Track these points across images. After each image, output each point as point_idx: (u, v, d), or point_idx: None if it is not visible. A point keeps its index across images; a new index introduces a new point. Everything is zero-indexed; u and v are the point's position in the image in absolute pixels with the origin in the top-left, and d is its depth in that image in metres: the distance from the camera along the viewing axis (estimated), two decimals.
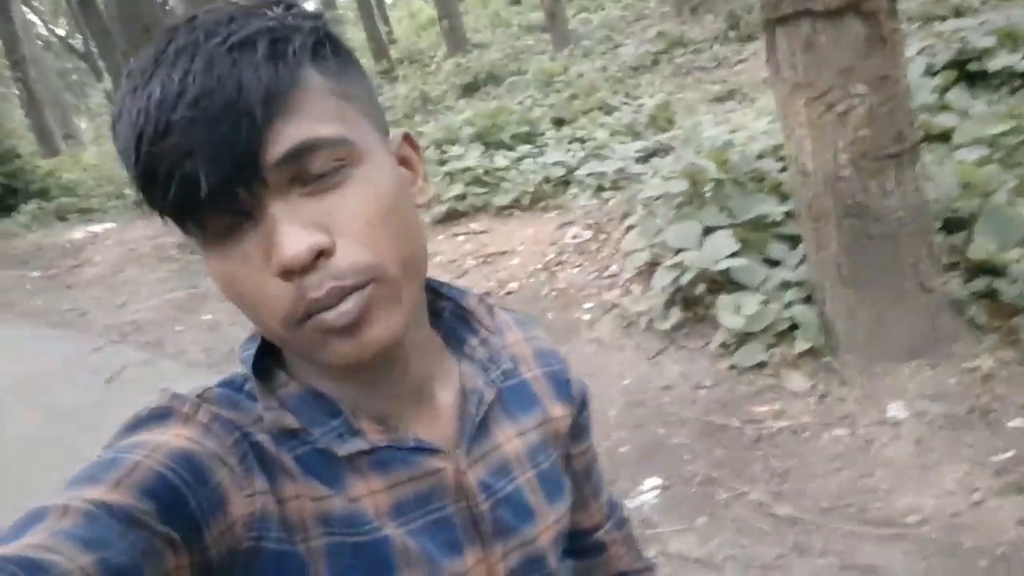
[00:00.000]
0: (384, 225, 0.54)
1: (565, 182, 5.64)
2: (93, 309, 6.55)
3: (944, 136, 3.66)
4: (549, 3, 12.08)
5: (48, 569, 0.39)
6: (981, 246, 2.80)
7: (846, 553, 2.07)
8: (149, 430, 0.54)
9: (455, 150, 6.48)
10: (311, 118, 0.51)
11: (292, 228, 0.50)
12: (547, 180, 5.61)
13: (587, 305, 4.02)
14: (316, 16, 0.56)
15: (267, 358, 0.63)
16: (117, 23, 7.57)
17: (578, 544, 0.87)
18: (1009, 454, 2.24)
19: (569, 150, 6.11)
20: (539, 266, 4.63)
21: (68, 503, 0.44)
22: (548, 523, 0.71)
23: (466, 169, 5.94)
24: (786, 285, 3.16)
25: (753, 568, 2.10)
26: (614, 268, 4.23)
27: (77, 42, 28.28)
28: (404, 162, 0.62)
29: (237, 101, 0.48)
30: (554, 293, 4.28)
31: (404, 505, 0.61)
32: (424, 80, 13.41)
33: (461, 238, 5.42)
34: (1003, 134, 3.43)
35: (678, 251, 3.50)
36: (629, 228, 4.33)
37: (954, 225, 3.01)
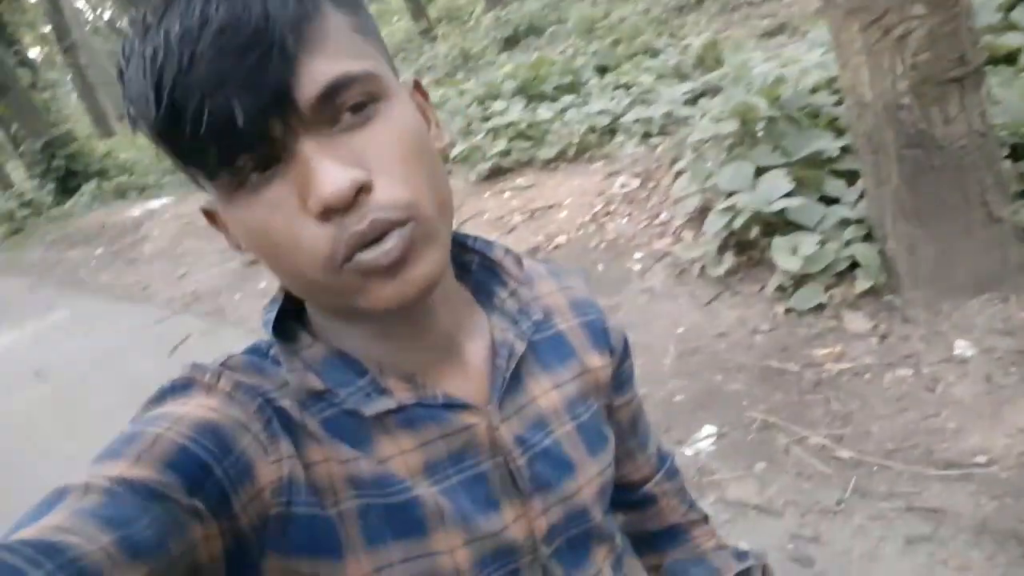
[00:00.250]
0: (417, 163, 0.53)
1: (611, 131, 5.51)
2: (155, 282, 6.75)
3: (1010, 58, 3.44)
4: None
5: (65, 551, 0.38)
6: None
7: (911, 495, 2.01)
8: (171, 402, 0.53)
9: (497, 105, 6.38)
10: (338, 53, 0.50)
11: (330, 164, 0.48)
12: (592, 130, 5.49)
13: (638, 255, 3.95)
14: None
15: (290, 320, 0.62)
16: None
17: (628, 497, 0.85)
18: None
19: (614, 97, 5.96)
20: (587, 218, 4.56)
21: (89, 481, 0.44)
22: (590, 476, 0.69)
23: (509, 124, 5.85)
24: (845, 223, 3.04)
25: (814, 512, 2.06)
26: (664, 216, 4.14)
27: (124, 24, 28.77)
28: (418, 109, 0.60)
29: (265, 29, 0.46)
30: (603, 245, 4.22)
31: (436, 463, 0.60)
32: (464, 37, 13.24)
33: (507, 194, 5.37)
34: None
35: (730, 194, 3.39)
36: (678, 174, 4.22)
37: (1022, 151, 2.85)
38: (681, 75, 6.22)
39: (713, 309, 3.25)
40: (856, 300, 2.83)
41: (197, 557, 0.45)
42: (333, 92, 0.49)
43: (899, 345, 2.58)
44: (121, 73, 0.50)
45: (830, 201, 3.20)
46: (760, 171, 3.39)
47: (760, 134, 3.69)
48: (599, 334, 0.75)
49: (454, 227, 0.64)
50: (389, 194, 0.50)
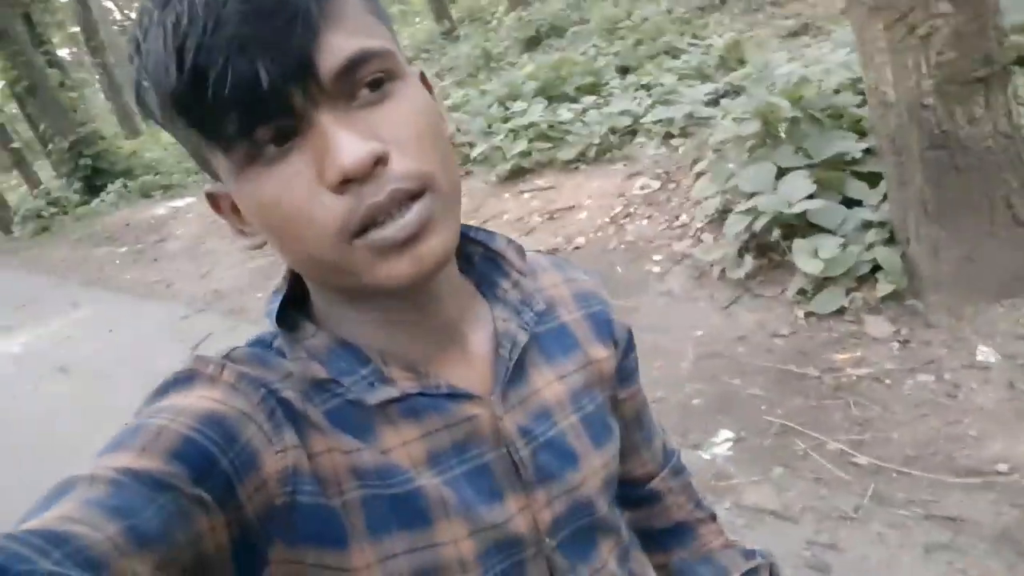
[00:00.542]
0: (431, 139, 0.53)
1: (632, 132, 5.48)
2: (178, 280, 6.82)
3: None
4: None
5: (71, 540, 0.38)
6: None
7: (930, 503, 1.98)
8: (175, 394, 0.53)
9: (518, 106, 6.37)
10: (357, 30, 0.51)
11: (349, 135, 0.49)
12: (613, 131, 5.46)
13: (657, 257, 3.92)
14: None
15: (294, 311, 0.62)
16: None
17: (633, 494, 0.84)
18: None
19: (635, 98, 5.93)
20: (607, 219, 4.54)
21: (95, 472, 0.44)
22: (595, 468, 0.68)
23: (530, 125, 5.84)
24: (867, 226, 3.00)
25: (831, 519, 2.03)
26: (684, 218, 4.11)
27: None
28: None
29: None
30: (623, 246, 4.20)
31: (440, 454, 0.60)
32: (486, 37, 13.25)
33: (527, 195, 5.36)
34: None
35: (751, 195, 3.36)
36: (699, 175, 4.19)
37: None
38: (703, 76, 6.18)
39: (732, 312, 3.22)
40: (877, 304, 2.80)
41: (203, 547, 0.45)
42: (353, 66, 0.49)
43: (920, 350, 2.54)
44: (138, 47, 0.50)
45: (852, 203, 3.17)
46: (782, 172, 3.36)
47: (782, 135, 3.65)
48: (603, 326, 0.75)
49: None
50: (406, 166, 0.51)
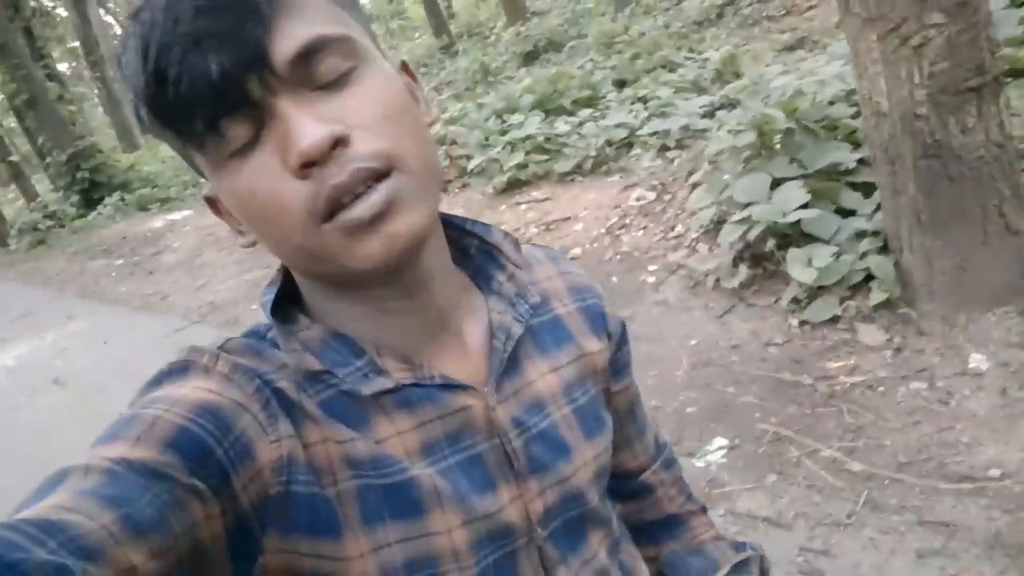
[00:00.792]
0: (399, 120, 0.53)
1: (628, 144, 5.51)
2: (174, 292, 6.81)
3: None
4: None
5: (67, 529, 0.38)
6: None
7: (923, 509, 1.97)
8: (169, 385, 0.53)
9: (515, 119, 6.40)
10: (315, 18, 0.51)
11: (307, 119, 0.49)
12: (609, 143, 5.49)
13: (652, 267, 3.93)
14: None
15: (288, 303, 0.63)
16: None
17: (625, 486, 0.84)
18: None
19: (632, 111, 5.96)
20: (602, 230, 4.55)
21: (89, 463, 0.44)
22: (586, 459, 0.68)
23: (527, 137, 5.86)
24: (860, 235, 3.01)
25: (824, 525, 2.02)
26: (679, 228, 4.12)
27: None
28: (402, 82, 0.60)
29: None
30: (618, 257, 4.21)
31: (434, 444, 0.60)
32: (484, 52, 13.33)
33: (523, 207, 5.37)
34: None
35: (746, 205, 3.37)
36: (694, 186, 4.21)
37: None
38: (700, 89, 6.21)
39: (727, 321, 3.22)
40: (871, 312, 2.80)
41: (199, 536, 0.44)
42: (309, 52, 0.50)
43: (913, 358, 2.54)
44: (119, 60, 0.52)
45: (846, 213, 3.17)
46: (776, 183, 3.37)
47: (777, 146, 3.67)
48: (597, 319, 0.75)
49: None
50: (368, 145, 0.51)
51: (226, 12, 0.47)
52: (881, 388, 2.47)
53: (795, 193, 3.21)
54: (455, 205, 5.89)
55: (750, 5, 9.24)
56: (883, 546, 1.91)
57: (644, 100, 6.24)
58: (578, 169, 5.45)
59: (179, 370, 0.55)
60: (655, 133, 5.25)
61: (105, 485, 0.42)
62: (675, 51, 7.87)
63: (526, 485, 0.64)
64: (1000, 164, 2.54)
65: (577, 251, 4.48)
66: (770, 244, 3.26)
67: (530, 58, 11.83)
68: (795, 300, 3.05)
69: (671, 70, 7.15)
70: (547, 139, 5.81)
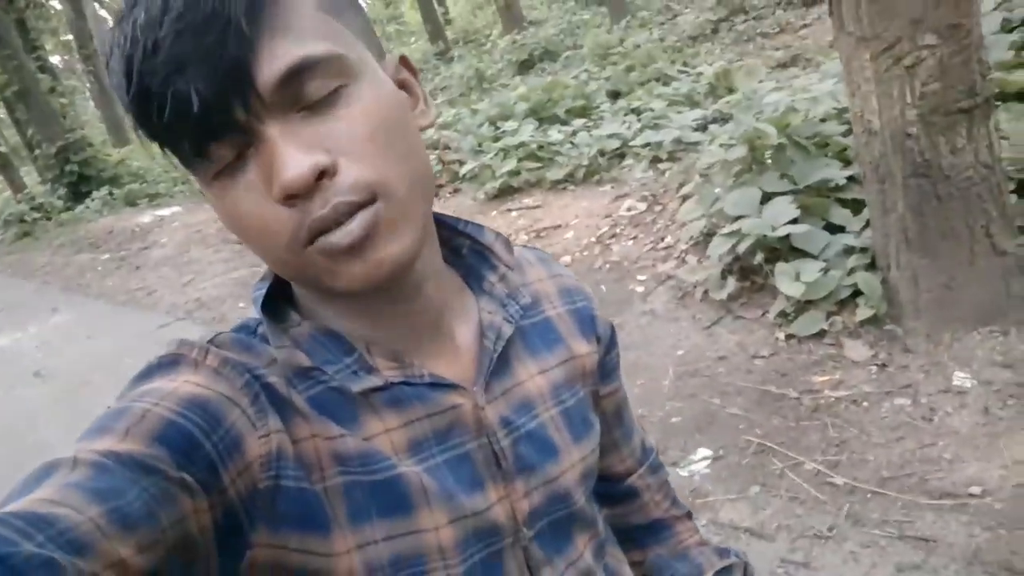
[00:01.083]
0: (386, 143, 0.52)
1: (620, 154, 5.54)
2: (160, 288, 6.76)
3: (1021, 94, 3.45)
4: None
5: (55, 522, 0.38)
6: None
7: (904, 523, 1.98)
8: (158, 378, 0.53)
9: (509, 126, 6.42)
10: (301, 34, 0.49)
11: (292, 150, 0.48)
12: (602, 153, 5.51)
13: (641, 277, 3.94)
14: None
15: (279, 300, 0.62)
16: None
17: (612, 490, 0.85)
18: None
19: (625, 122, 5.99)
20: (593, 239, 4.56)
21: (78, 456, 0.44)
22: (573, 460, 0.69)
23: (520, 144, 5.88)
24: (848, 251, 3.03)
25: (806, 537, 2.03)
26: (669, 239, 4.14)
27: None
28: (403, 86, 0.60)
29: (221, 11, 0.46)
30: (608, 266, 4.22)
31: (422, 442, 0.60)
32: (479, 59, 13.37)
33: (514, 213, 5.38)
34: None
35: (736, 219, 3.39)
36: (685, 198, 4.23)
37: None
38: (693, 102, 6.26)
39: (714, 333, 3.23)
40: (857, 328, 2.82)
41: (187, 529, 0.44)
42: (295, 75, 0.49)
43: (898, 374, 2.56)
44: (107, 63, 0.51)
45: (835, 229, 3.20)
46: (767, 197, 3.39)
47: (768, 161, 3.69)
48: (586, 321, 0.75)
49: None
50: (353, 176, 0.50)
51: (208, 34, 0.46)
52: (865, 403, 2.48)
53: (785, 208, 3.23)
54: (446, 210, 5.87)
55: (745, 22, 9.33)
56: (864, 560, 1.91)
57: (637, 112, 6.28)
58: (570, 178, 5.47)
59: (168, 364, 0.54)
60: (647, 144, 5.28)
61: (93, 478, 0.42)
62: (669, 64, 7.93)
63: (513, 485, 0.64)
64: (988, 185, 2.57)
65: (567, 259, 4.49)
66: (759, 257, 3.28)
67: (525, 66, 11.88)
68: (782, 314, 3.06)
69: (665, 83, 7.20)
70: (540, 147, 5.83)
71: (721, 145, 4.04)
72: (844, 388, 2.59)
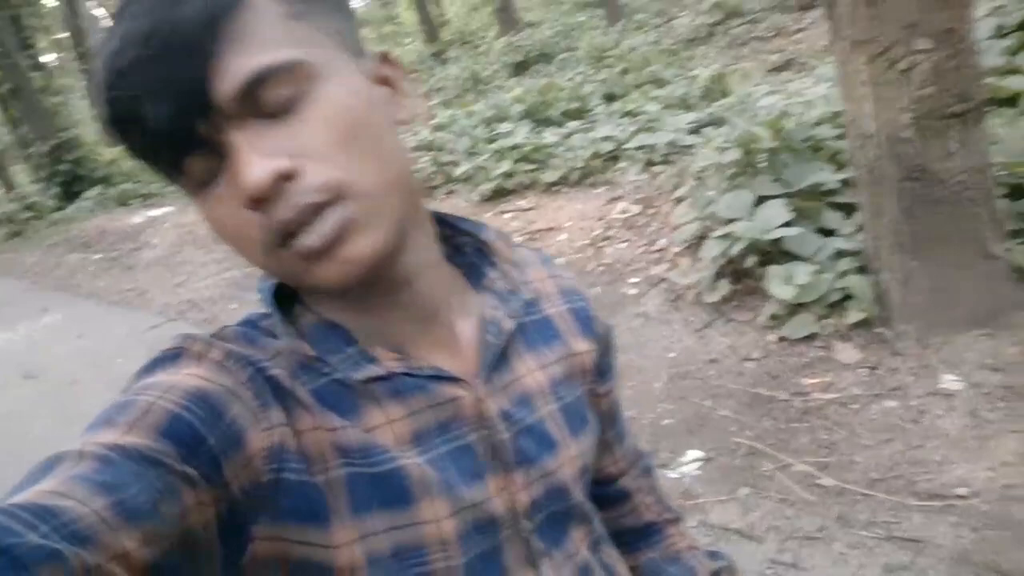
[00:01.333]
0: (352, 142, 0.53)
1: (614, 157, 5.54)
2: (151, 289, 6.74)
3: (1013, 100, 3.47)
4: None
5: (59, 514, 0.38)
6: None
7: (892, 525, 1.99)
8: (162, 372, 0.53)
9: (504, 127, 6.42)
10: (262, 45, 0.50)
11: (254, 156, 0.49)
12: (596, 155, 5.51)
13: (634, 279, 3.95)
14: None
15: (284, 293, 0.64)
16: None
17: (604, 491, 0.85)
18: None
19: (619, 124, 5.99)
20: (586, 241, 4.57)
21: (83, 448, 0.44)
22: (571, 455, 0.69)
23: (514, 146, 5.88)
24: (840, 254, 3.04)
25: (795, 538, 2.03)
26: (662, 242, 4.15)
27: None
28: (385, 81, 0.60)
29: (178, 33, 0.48)
30: (601, 268, 4.22)
31: (424, 433, 0.60)
32: (475, 60, 13.38)
33: (508, 215, 5.38)
34: None
35: (729, 221, 3.40)
36: (678, 201, 4.24)
37: (1020, 191, 2.85)
38: (687, 105, 6.26)
39: (706, 335, 3.24)
40: (847, 331, 2.83)
41: (190, 522, 0.44)
42: (254, 85, 0.50)
43: (888, 377, 2.56)
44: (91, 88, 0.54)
45: (827, 233, 3.21)
46: (760, 200, 3.40)
47: (762, 164, 3.70)
48: (585, 321, 0.76)
49: None
50: (317, 178, 0.51)
51: (166, 58, 0.48)
52: (855, 405, 2.49)
53: (778, 211, 3.24)
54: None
55: (740, 26, 9.36)
56: (852, 561, 1.92)
57: (632, 114, 6.29)
58: (564, 180, 5.47)
59: (172, 357, 0.55)
60: (642, 147, 5.28)
61: (98, 471, 0.42)
62: (664, 67, 7.94)
63: (512, 477, 0.64)
64: (980, 190, 2.58)
65: (561, 261, 4.49)
66: (751, 260, 3.29)
67: (521, 68, 11.89)
68: (774, 316, 3.07)
69: (660, 86, 7.21)
70: (534, 149, 5.83)
71: (715, 148, 4.05)
72: (834, 390, 2.60)
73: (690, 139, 5.11)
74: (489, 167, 5.79)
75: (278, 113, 0.51)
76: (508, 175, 5.69)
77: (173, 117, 0.49)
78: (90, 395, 4.39)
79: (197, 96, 0.49)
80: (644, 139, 5.30)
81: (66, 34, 20.04)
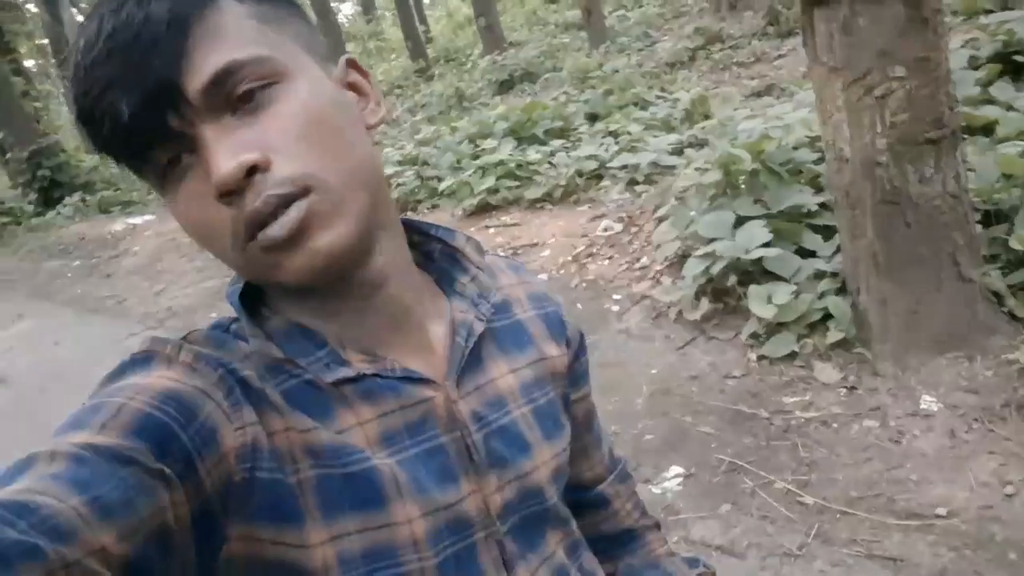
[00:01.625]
0: (318, 138, 0.55)
1: (598, 176, 5.59)
2: (131, 297, 6.67)
3: (987, 129, 3.56)
4: (586, 0, 12.03)
5: (37, 510, 0.38)
6: (1023, 237, 2.71)
7: (872, 543, 2.02)
8: (132, 375, 0.54)
9: (488, 143, 6.46)
10: (227, 42, 0.53)
11: (223, 148, 0.51)
12: (580, 174, 5.56)
13: (616, 296, 3.98)
14: None
15: (252, 298, 0.64)
16: None
17: (582, 497, 0.86)
18: None
19: (603, 144, 6.04)
20: (569, 258, 4.60)
21: (56, 448, 0.44)
22: (545, 458, 0.70)
23: (499, 163, 5.91)
24: (819, 275, 3.10)
25: (776, 555, 2.05)
26: (645, 260, 4.18)
27: None
28: (353, 87, 0.63)
29: (145, 28, 0.50)
30: (583, 284, 4.25)
31: (395, 434, 0.61)
32: (460, 78, 13.44)
33: (492, 230, 5.40)
34: None
35: (710, 241, 3.44)
36: (660, 220, 4.28)
37: (994, 217, 2.92)
38: (669, 127, 6.33)
39: (687, 353, 3.27)
40: (827, 351, 2.87)
41: (166, 520, 0.45)
42: (222, 79, 0.52)
43: (867, 397, 2.60)
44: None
45: (806, 254, 3.26)
46: (740, 221, 3.45)
47: (742, 186, 3.76)
48: (556, 325, 0.77)
49: None
50: (284, 170, 0.53)
51: (135, 51, 0.50)
52: (835, 424, 2.53)
53: (758, 232, 3.29)
54: None
55: (721, 51, 9.49)
56: None
57: (615, 134, 6.34)
58: (548, 197, 5.51)
59: (142, 360, 0.55)
60: (624, 167, 5.34)
61: (72, 469, 0.42)
62: (647, 90, 8.02)
63: (485, 479, 0.65)
64: (955, 214, 2.64)
65: (543, 277, 4.51)
66: (732, 279, 3.33)
67: (505, 87, 11.96)
68: (754, 335, 3.11)
69: (642, 108, 7.28)
70: (519, 166, 5.87)
71: (696, 169, 4.10)
72: (814, 409, 2.64)
73: (672, 160, 5.17)
74: (473, 182, 5.81)
75: (248, 109, 0.53)
76: (492, 191, 5.71)
77: (143, 108, 0.50)
78: (63, 403, 4.32)
79: (167, 89, 0.50)
80: (627, 159, 5.35)
81: (46, 40, 19.88)
